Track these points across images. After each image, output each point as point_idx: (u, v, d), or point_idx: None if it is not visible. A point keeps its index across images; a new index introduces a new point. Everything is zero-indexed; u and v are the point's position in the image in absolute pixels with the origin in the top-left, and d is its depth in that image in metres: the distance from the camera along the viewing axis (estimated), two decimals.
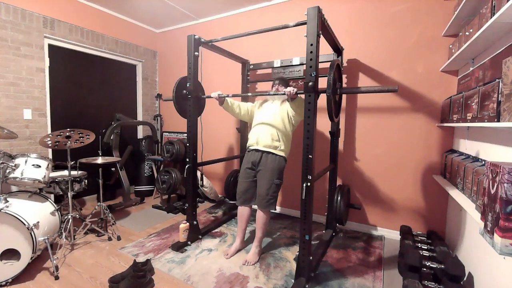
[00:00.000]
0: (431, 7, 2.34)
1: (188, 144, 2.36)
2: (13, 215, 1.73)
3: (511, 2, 1.10)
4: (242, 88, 3.17)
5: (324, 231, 2.63)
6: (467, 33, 1.70)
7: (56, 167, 2.83)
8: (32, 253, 1.79)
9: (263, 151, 2.10)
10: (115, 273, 1.83)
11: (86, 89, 3.44)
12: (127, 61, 3.90)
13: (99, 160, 2.46)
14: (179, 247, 2.26)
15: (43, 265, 1.98)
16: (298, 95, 1.91)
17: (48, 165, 2.18)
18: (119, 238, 2.42)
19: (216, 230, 2.68)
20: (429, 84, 2.40)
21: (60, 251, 2.17)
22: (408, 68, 2.47)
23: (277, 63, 2.93)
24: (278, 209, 3.25)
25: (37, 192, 2.17)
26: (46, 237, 1.91)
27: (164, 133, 4.26)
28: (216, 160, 2.84)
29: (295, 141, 2.45)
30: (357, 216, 2.77)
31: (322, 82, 1.82)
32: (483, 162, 1.56)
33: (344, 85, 2.74)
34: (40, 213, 1.99)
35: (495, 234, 1.00)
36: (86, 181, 2.64)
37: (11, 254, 1.75)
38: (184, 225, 2.32)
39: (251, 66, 3.13)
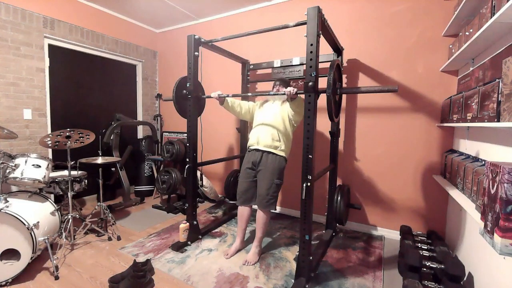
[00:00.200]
0: (431, 7, 2.34)
1: (188, 144, 2.36)
2: (13, 215, 1.73)
3: (511, 2, 1.10)
4: (242, 88, 3.17)
5: (324, 231, 2.63)
6: (467, 33, 1.70)
7: (56, 167, 2.83)
8: (32, 253, 1.79)
9: (263, 151, 2.10)
10: (115, 273, 1.83)
11: (86, 89, 3.44)
12: (127, 61, 3.90)
13: (99, 160, 2.46)
14: (179, 247, 2.26)
15: (43, 265, 1.98)
16: (298, 95, 1.91)
17: (48, 165, 2.18)
18: (119, 238, 2.42)
19: (216, 230, 2.68)
20: (429, 84, 2.40)
21: (60, 251, 2.17)
22: (408, 68, 2.47)
23: (277, 63, 2.93)
24: (278, 209, 3.25)
25: (37, 192, 2.17)
26: (46, 237, 1.91)
27: (164, 133, 4.26)
28: (216, 160, 2.84)
29: (295, 141, 2.45)
30: (357, 216, 2.77)
31: (322, 82, 1.82)
32: (483, 162, 1.56)
33: (344, 85, 2.74)
34: (40, 213, 1.99)
35: (495, 234, 1.00)
36: (86, 181, 2.64)
37: (11, 254, 1.75)
38: (184, 225, 2.32)
39: (251, 66, 3.13)
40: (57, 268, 1.88)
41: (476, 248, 1.66)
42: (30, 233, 1.76)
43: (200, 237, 2.47)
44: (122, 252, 2.21)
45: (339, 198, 2.43)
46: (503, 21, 1.26)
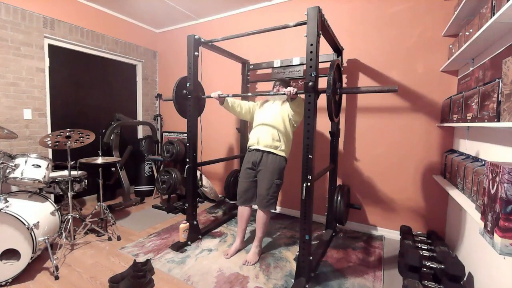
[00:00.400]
0: (431, 7, 2.34)
1: (188, 144, 2.36)
2: (13, 215, 1.73)
3: (511, 2, 1.10)
4: (242, 88, 3.17)
5: (324, 231, 2.63)
6: (467, 33, 1.70)
7: (56, 167, 2.83)
8: (32, 253, 1.79)
9: (263, 151, 2.10)
10: (115, 273, 1.83)
11: (86, 89, 3.44)
12: (127, 61, 3.90)
13: (99, 160, 2.46)
14: (179, 247, 2.26)
15: (43, 265, 1.98)
16: (298, 95, 1.91)
17: (48, 165, 2.18)
18: (119, 238, 2.42)
19: (216, 230, 2.68)
20: (429, 84, 2.40)
21: (60, 251, 2.17)
22: (408, 68, 2.47)
23: (277, 63, 2.93)
24: (278, 209, 3.25)
25: (37, 192, 2.17)
26: (46, 237, 1.91)
27: (164, 133, 4.26)
28: (216, 160, 2.84)
29: (295, 141, 2.45)
30: (357, 216, 2.77)
31: (322, 82, 1.82)
32: (483, 162, 1.56)
33: (344, 85, 2.74)
34: (40, 213, 1.99)
35: (495, 234, 1.00)
36: (86, 181, 2.64)
37: (11, 254, 1.75)
38: (184, 225, 2.32)
39: (251, 66, 3.13)
40: (57, 268, 1.88)
41: (476, 248, 1.66)
42: (30, 233, 1.76)
43: (200, 237, 2.47)
44: (122, 252, 2.21)
45: (339, 198, 2.43)
46: (503, 21, 1.26)
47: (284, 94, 1.91)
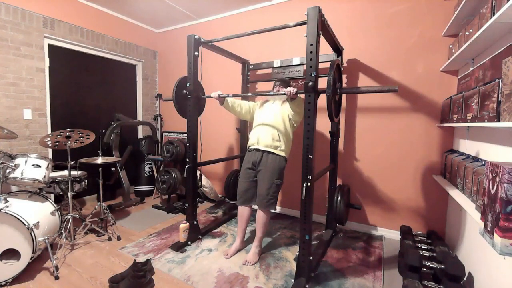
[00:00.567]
0: (431, 7, 2.34)
1: (188, 144, 2.36)
2: (13, 215, 1.73)
3: (511, 2, 1.10)
4: (242, 88, 3.17)
5: (324, 231, 2.63)
6: (467, 33, 1.70)
7: (56, 167, 2.83)
8: (32, 253, 1.79)
9: (263, 151, 2.10)
10: (115, 273, 1.83)
11: (86, 89, 3.44)
12: (127, 61, 3.90)
13: (99, 160, 2.46)
14: (179, 247, 2.26)
15: (43, 265, 1.98)
16: (298, 95, 1.91)
17: (48, 165, 2.18)
18: (119, 238, 2.42)
19: (216, 230, 2.68)
20: (429, 84, 2.40)
21: (60, 251, 2.17)
22: (408, 68, 2.47)
23: (277, 63, 2.93)
24: (278, 209, 3.25)
25: (37, 192, 2.17)
26: (46, 237, 1.91)
27: (164, 133, 4.26)
28: (216, 160, 2.84)
29: (295, 141, 2.45)
30: (357, 216, 2.77)
31: (322, 82, 1.82)
32: (483, 162, 1.56)
33: (344, 85, 2.74)
34: (40, 213, 1.99)
35: (495, 234, 1.00)
36: (86, 181, 2.64)
37: (11, 254, 1.75)
38: (184, 225, 2.32)
39: (251, 66, 3.13)
40: (57, 268, 1.88)
41: (476, 248, 1.66)
42: (30, 233, 1.76)
43: (200, 237, 2.47)
44: (122, 252, 2.21)
45: (339, 198, 2.42)
46: (503, 21, 1.26)
47: (284, 94, 1.91)
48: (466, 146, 1.96)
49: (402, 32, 2.47)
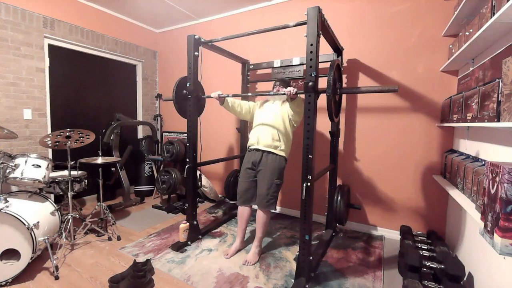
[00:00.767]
0: (431, 7, 2.34)
1: (188, 144, 2.36)
2: (13, 215, 1.73)
3: (511, 2, 1.10)
4: (242, 88, 3.17)
5: (324, 231, 2.63)
6: (467, 33, 1.70)
7: (56, 167, 2.83)
8: (32, 253, 1.79)
9: (263, 151, 2.10)
10: (115, 273, 1.83)
11: (86, 89, 3.44)
12: (127, 61, 3.90)
13: (99, 160, 2.46)
14: (179, 247, 2.26)
15: (43, 265, 1.98)
16: (298, 95, 1.91)
17: (48, 165, 2.18)
18: (119, 238, 2.42)
19: (216, 230, 2.68)
20: (429, 84, 2.40)
21: (60, 251, 2.17)
22: (408, 68, 2.47)
23: (277, 63, 2.93)
24: (278, 209, 3.25)
25: (37, 192, 2.17)
26: (46, 237, 1.91)
27: (164, 133, 4.26)
28: (216, 160, 2.84)
29: (295, 141, 2.45)
30: (357, 216, 2.77)
31: (322, 82, 1.82)
32: (483, 162, 1.56)
33: (344, 85, 2.74)
34: (40, 213, 1.99)
35: (495, 234, 1.00)
36: (86, 181, 2.64)
37: (11, 254, 1.75)
38: (184, 225, 2.32)
39: (251, 66, 3.13)
40: (57, 268, 1.88)
41: (476, 248, 1.66)
42: (30, 233, 1.76)
43: (200, 237, 2.47)
44: (122, 252, 2.21)
45: (339, 198, 2.42)
46: (503, 21, 1.26)
47: (284, 94, 1.91)
48: (466, 146, 1.96)
49: (402, 32, 2.47)
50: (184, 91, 2.31)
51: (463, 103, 1.68)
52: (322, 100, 2.00)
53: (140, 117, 4.15)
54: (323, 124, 2.73)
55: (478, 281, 1.58)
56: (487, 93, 1.30)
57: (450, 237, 2.22)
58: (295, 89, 1.86)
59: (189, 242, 2.34)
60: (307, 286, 1.74)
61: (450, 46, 2.14)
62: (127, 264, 1.97)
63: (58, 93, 3.12)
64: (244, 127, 3.14)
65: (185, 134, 2.59)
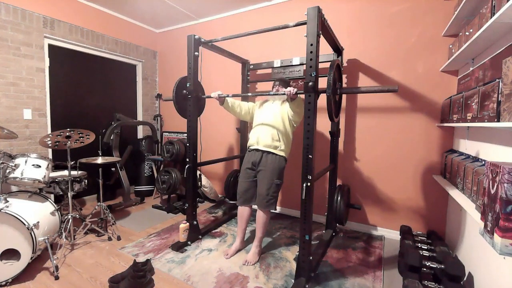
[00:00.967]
0: (431, 7, 2.34)
1: (188, 144, 2.36)
2: (13, 215, 1.73)
3: (511, 2, 1.10)
4: (242, 88, 3.17)
5: (324, 231, 2.63)
6: (467, 33, 1.70)
7: (56, 167, 2.83)
8: (32, 253, 1.79)
9: (263, 151, 2.10)
10: (115, 273, 1.83)
11: (86, 89, 3.44)
12: (127, 61, 3.90)
13: (99, 160, 2.46)
14: (179, 247, 2.26)
15: (43, 265, 1.98)
16: (298, 95, 1.91)
17: (48, 165, 2.18)
18: (119, 238, 2.42)
19: (216, 230, 2.68)
20: (429, 84, 2.40)
21: (60, 251, 2.17)
22: (408, 68, 2.47)
23: (277, 63, 2.93)
24: (278, 209, 3.25)
25: (37, 192, 2.17)
26: (46, 237, 1.91)
27: (164, 133, 4.26)
28: (216, 160, 2.84)
29: (295, 141, 2.45)
30: (357, 216, 2.77)
31: (322, 82, 1.82)
32: (483, 162, 1.56)
33: (344, 85, 2.74)
34: (40, 213, 1.99)
35: (495, 234, 1.00)
36: (86, 181, 2.64)
37: (11, 254, 1.75)
38: (184, 225, 2.32)
39: (251, 66, 3.13)
40: (57, 268, 1.88)
41: (476, 248, 1.66)
42: (30, 233, 1.76)
43: (200, 237, 2.47)
44: (122, 252, 2.21)
45: (339, 198, 2.42)
46: (503, 21, 1.26)
47: (284, 94, 1.91)
48: (466, 146, 1.96)
49: (402, 32, 2.47)
50: (184, 91, 2.31)
51: (463, 103, 1.68)
52: (322, 100, 2.00)
53: (140, 117, 4.15)
54: (323, 124, 2.72)
55: (478, 281, 1.58)
56: (487, 93, 1.30)
57: (450, 237, 2.22)
58: (295, 89, 1.86)
59: (189, 242, 2.34)
60: (307, 286, 1.74)
61: (450, 46, 2.14)
62: (127, 264, 1.97)
63: (58, 93, 3.12)
64: (244, 127, 3.14)
65: (185, 134, 2.59)
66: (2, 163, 1.96)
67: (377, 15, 2.58)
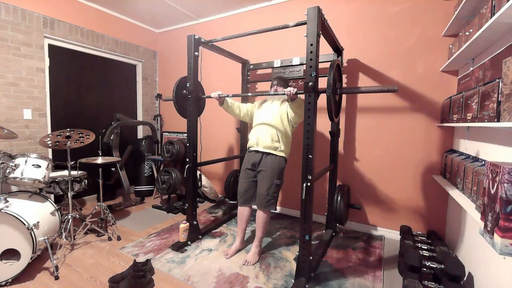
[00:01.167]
0: (431, 7, 2.34)
1: (188, 144, 2.36)
2: (13, 215, 1.73)
3: (511, 2, 1.10)
4: (242, 88, 3.17)
5: (324, 231, 2.63)
6: (467, 33, 1.70)
7: (56, 167, 2.83)
8: (32, 253, 1.79)
9: (263, 153, 2.10)
10: (115, 273, 1.83)
11: (86, 89, 3.44)
12: (127, 61, 3.90)
13: (99, 160, 2.46)
14: (179, 247, 2.26)
15: (43, 265, 1.98)
16: (298, 95, 1.91)
17: (48, 165, 2.18)
18: (119, 238, 2.42)
19: (216, 230, 2.68)
20: (429, 84, 2.40)
21: (60, 251, 2.17)
22: (408, 68, 2.47)
23: (277, 63, 2.93)
24: (278, 209, 3.25)
25: (37, 192, 2.17)
26: (46, 237, 1.91)
27: (164, 133, 4.26)
28: (216, 160, 2.84)
29: (295, 141, 2.45)
30: (357, 216, 2.77)
31: (322, 82, 1.82)
32: (483, 162, 1.56)
33: (344, 85, 2.74)
34: (40, 213, 1.99)
35: (495, 234, 1.00)
36: (86, 181, 2.64)
37: (11, 254, 1.75)
38: (184, 225, 2.32)
39: (251, 66, 3.13)
40: (57, 268, 1.88)
41: (476, 248, 1.66)
42: (30, 233, 1.76)
43: (200, 237, 2.47)
44: (122, 252, 2.21)
45: (339, 198, 2.42)
46: (503, 21, 1.26)
47: (284, 94, 1.91)
48: (466, 146, 1.96)
49: (402, 32, 2.47)
50: (184, 91, 2.31)
51: (463, 103, 1.68)
52: (322, 100, 2.00)
53: (140, 117, 4.15)
54: (323, 124, 2.72)
55: (478, 281, 1.58)
56: (487, 93, 1.30)
57: (450, 237, 2.22)
58: (295, 89, 1.86)
59: (189, 242, 2.34)
60: (307, 286, 1.74)
61: (450, 46, 2.14)
62: (127, 264, 1.97)
63: (58, 93, 3.12)
64: (244, 127, 3.14)
65: (185, 134, 2.59)
66: (2, 163, 1.96)
67: (377, 15, 2.58)
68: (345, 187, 2.63)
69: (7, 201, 1.85)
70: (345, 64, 2.70)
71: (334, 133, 2.53)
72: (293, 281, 1.82)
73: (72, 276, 1.87)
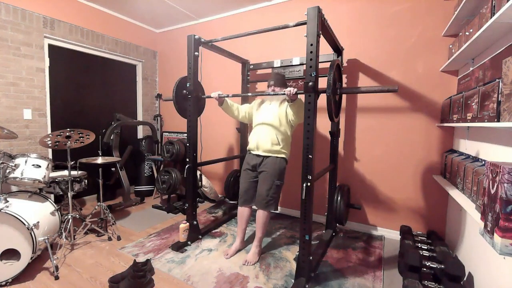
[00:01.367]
0: (431, 7, 2.34)
1: (188, 144, 2.36)
2: (13, 215, 1.73)
3: (511, 2, 1.10)
4: (242, 88, 3.17)
5: (324, 231, 2.63)
6: (467, 33, 1.70)
7: (56, 167, 2.83)
8: (32, 253, 1.79)
9: (263, 156, 2.11)
10: (115, 273, 1.83)
11: (86, 89, 3.44)
12: (127, 61, 3.90)
13: (99, 160, 2.46)
14: (179, 247, 2.26)
15: (43, 265, 1.98)
16: (298, 96, 1.91)
17: (48, 165, 2.18)
18: (119, 238, 2.42)
19: (216, 230, 2.68)
20: (429, 84, 2.40)
21: (60, 251, 2.17)
22: (408, 68, 2.47)
23: (277, 63, 2.93)
24: (278, 209, 3.25)
25: (37, 192, 2.17)
26: (46, 237, 1.91)
27: (164, 133, 4.26)
28: (216, 160, 2.84)
29: (295, 141, 2.45)
30: (357, 216, 2.77)
31: (322, 82, 1.82)
32: (483, 162, 1.56)
33: (344, 85, 2.74)
34: (40, 213, 1.99)
35: (495, 234, 1.00)
36: (86, 181, 2.64)
37: (11, 254, 1.75)
38: (184, 225, 2.32)
39: (251, 66, 3.13)
40: (57, 268, 1.88)
41: (476, 248, 1.66)
42: (30, 233, 1.76)
43: (200, 237, 2.47)
44: (122, 252, 2.21)
45: (339, 198, 2.42)
46: (503, 21, 1.26)
47: (283, 94, 1.90)
48: (466, 146, 1.96)
49: (402, 32, 2.47)
50: (184, 91, 2.31)
51: (463, 103, 1.68)
52: (322, 100, 2.00)
53: (140, 117, 4.15)
54: (323, 124, 2.73)
55: (478, 281, 1.58)
56: (487, 93, 1.30)
57: (450, 237, 2.22)
58: (295, 89, 1.86)
59: (189, 242, 2.34)
60: (307, 286, 1.74)
61: (450, 46, 2.14)
62: (127, 264, 1.97)
63: (58, 93, 3.12)
64: (244, 127, 3.14)
65: (185, 134, 2.59)
66: (2, 163, 1.96)
67: (377, 15, 2.58)
68: (345, 187, 2.63)
69: (7, 201, 1.85)
70: (345, 64, 2.70)
71: (334, 133, 2.53)
72: (293, 281, 1.82)
73: (72, 276, 1.87)
